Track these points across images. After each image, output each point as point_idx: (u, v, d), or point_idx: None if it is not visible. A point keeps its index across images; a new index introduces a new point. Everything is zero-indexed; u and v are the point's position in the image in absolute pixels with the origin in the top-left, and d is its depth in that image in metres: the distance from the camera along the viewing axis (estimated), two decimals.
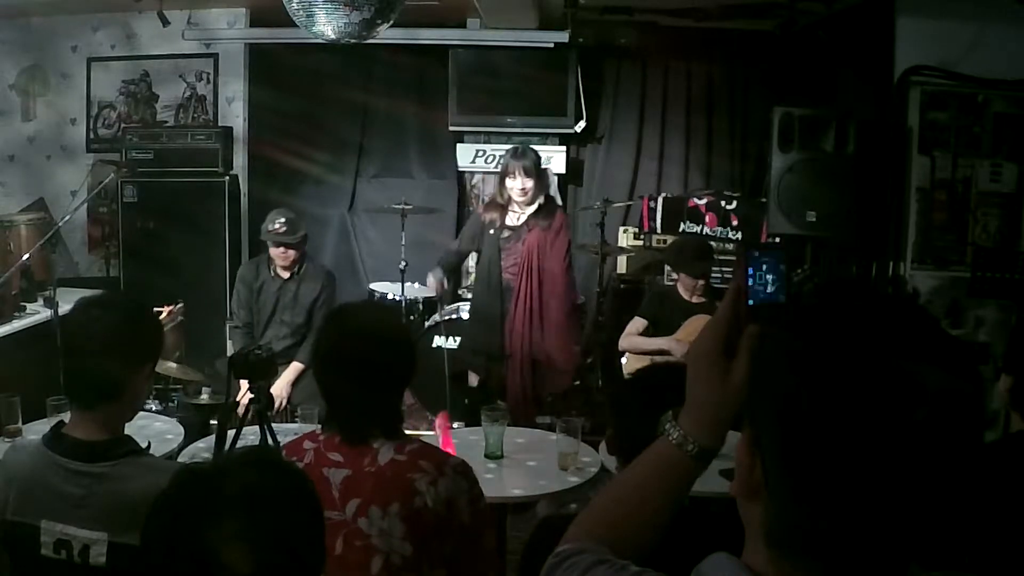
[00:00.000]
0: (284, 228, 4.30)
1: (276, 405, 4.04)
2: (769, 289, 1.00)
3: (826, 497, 0.76)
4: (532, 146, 5.89)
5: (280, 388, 4.17)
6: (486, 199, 4.51)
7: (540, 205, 4.45)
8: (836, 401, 0.75)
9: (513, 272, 4.45)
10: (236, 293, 4.51)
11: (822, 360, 0.77)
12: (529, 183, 4.35)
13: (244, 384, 2.99)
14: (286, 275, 4.43)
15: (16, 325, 4.27)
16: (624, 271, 5.87)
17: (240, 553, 1.09)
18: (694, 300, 4.36)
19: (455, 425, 4.52)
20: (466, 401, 4.65)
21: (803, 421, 0.76)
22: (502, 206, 4.48)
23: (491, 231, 4.48)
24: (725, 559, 0.85)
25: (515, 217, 4.47)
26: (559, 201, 4.60)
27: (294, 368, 4.29)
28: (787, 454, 0.78)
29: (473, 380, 4.71)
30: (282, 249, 4.32)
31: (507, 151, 4.63)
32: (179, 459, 2.83)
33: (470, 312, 4.78)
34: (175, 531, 1.12)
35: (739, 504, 0.86)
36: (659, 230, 5.72)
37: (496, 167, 5.22)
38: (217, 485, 1.14)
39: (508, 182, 4.40)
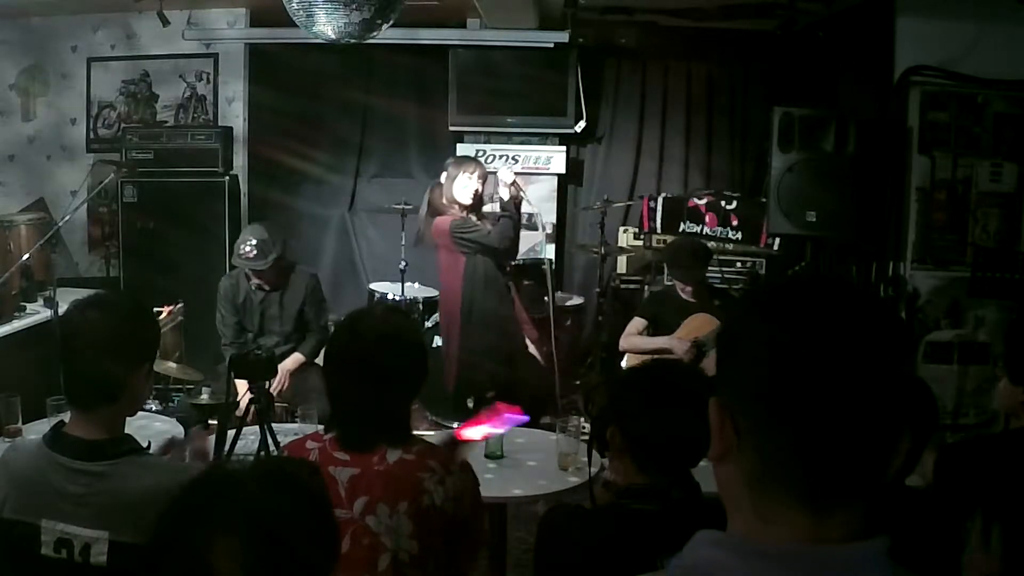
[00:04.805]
0: (254, 252, 4.12)
1: (276, 386, 4.03)
2: None
3: (804, 427, 0.80)
4: (535, 145, 5.90)
5: (280, 373, 4.12)
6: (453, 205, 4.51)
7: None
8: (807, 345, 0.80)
9: None
10: (220, 312, 4.34)
11: (792, 315, 0.82)
12: (480, 185, 4.48)
13: (244, 384, 2.98)
14: (268, 287, 4.33)
15: (16, 325, 4.27)
16: (624, 271, 5.87)
17: (240, 567, 1.07)
18: (693, 299, 4.36)
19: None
20: None
21: (783, 371, 0.81)
22: (446, 209, 4.50)
23: None
24: (706, 533, 0.86)
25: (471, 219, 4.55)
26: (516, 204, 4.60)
27: (295, 358, 4.26)
28: (765, 401, 0.82)
29: None
30: (255, 274, 4.20)
31: (451, 160, 4.66)
32: None
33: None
34: (180, 535, 1.10)
35: (715, 472, 0.88)
36: (659, 230, 5.72)
37: (494, 167, 5.22)
38: (231, 495, 1.12)
39: (459, 190, 4.44)
